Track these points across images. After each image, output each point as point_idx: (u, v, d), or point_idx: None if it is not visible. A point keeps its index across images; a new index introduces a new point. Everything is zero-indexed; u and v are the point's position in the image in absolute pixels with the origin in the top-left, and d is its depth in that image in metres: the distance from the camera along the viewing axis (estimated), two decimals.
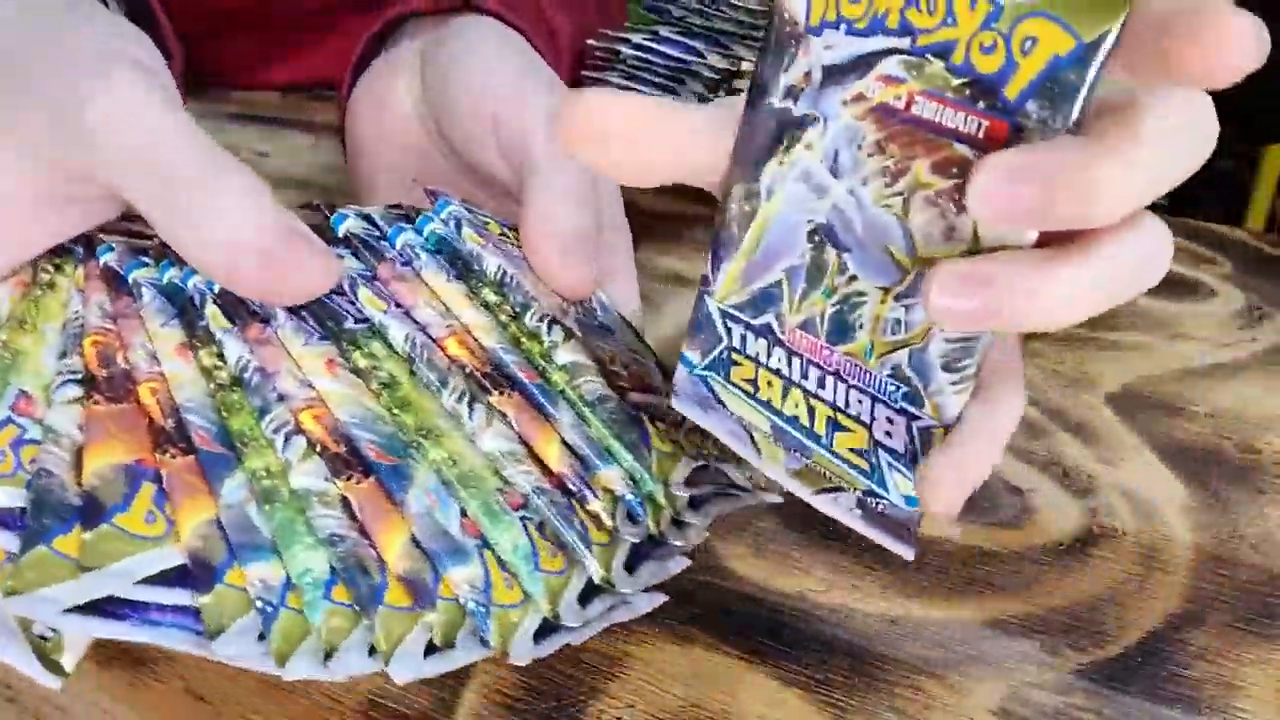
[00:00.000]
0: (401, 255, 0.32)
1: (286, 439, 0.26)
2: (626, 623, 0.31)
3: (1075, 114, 0.20)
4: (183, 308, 0.29)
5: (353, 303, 0.30)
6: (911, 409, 0.24)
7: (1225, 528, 0.36)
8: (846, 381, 0.25)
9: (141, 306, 0.28)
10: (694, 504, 0.31)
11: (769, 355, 0.26)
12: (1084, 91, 0.20)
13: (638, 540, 0.29)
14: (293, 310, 0.29)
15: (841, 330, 0.25)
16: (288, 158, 0.66)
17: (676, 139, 0.25)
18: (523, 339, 0.30)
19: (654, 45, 0.56)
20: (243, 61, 0.77)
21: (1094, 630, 0.31)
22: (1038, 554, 0.34)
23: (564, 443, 0.28)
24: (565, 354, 0.30)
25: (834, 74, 0.23)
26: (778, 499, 0.33)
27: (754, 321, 0.26)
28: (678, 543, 0.30)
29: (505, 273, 0.31)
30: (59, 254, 0.30)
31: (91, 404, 0.26)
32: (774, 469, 0.28)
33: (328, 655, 0.24)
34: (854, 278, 0.24)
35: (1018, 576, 0.33)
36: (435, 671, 0.25)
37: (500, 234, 0.34)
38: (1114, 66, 0.20)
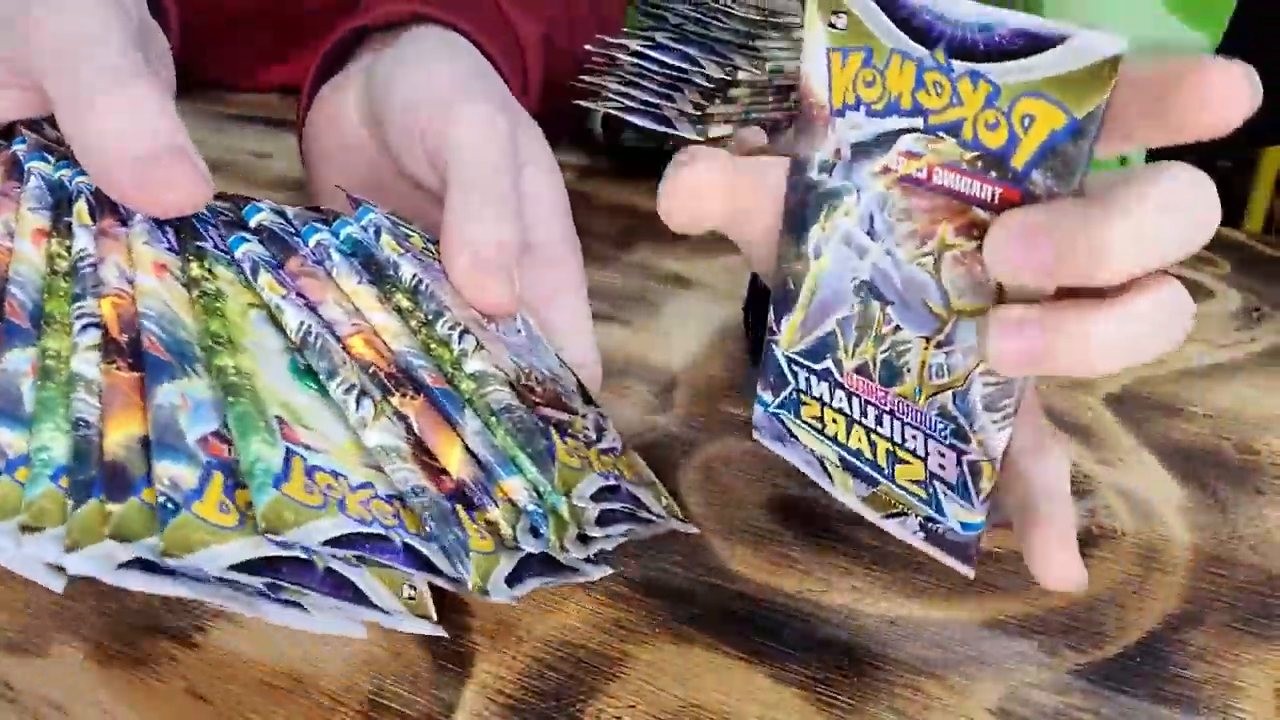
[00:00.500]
0: (314, 254, 0.31)
1: (84, 327, 0.26)
2: (626, 623, 0.31)
3: (1076, 181, 0.22)
4: (58, 201, 0.30)
5: (218, 230, 0.31)
6: (960, 444, 0.26)
7: (1224, 528, 0.36)
8: (901, 419, 0.27)
9: (20, 191, 0.29)
10: (602, 521, 0.30)
11: (831, 396, 0.29)
12: (1082, 161, 0.22)
13: (538, 551, 0.28)
14: (157, 221, 0.30)
15: (892, 374, 0.27)
16: (288, 159, 0.66)
17: (761, 199, 0.28)
18: (433, 345, 0.30)
19: (651, 53, 0.56)
20: (243, 64, 0.77)
21: (1093, 631, 0.32)
22: None
23: (467, 449, 0.28)
24: (475, 363, 0.30)
25: (861, 150, 0.25)
26: (694, 529, 0.34)
27: (815, 366, 0.29)
28: (581, 558, 0.29)
29: (420, 281, 0.31)
30: None
31: None
32: (846, 495, 0.30)
33: (26, 531, 0.23)
34: (898, 327, 0.26)
35: (1017, 577, 0.34)
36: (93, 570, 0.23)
37: (423, 248, 0.33)
38: (1115, 135, 0.22)
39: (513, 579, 0.28)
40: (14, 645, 0.30)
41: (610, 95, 0.57)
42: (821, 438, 0.30)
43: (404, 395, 0.28)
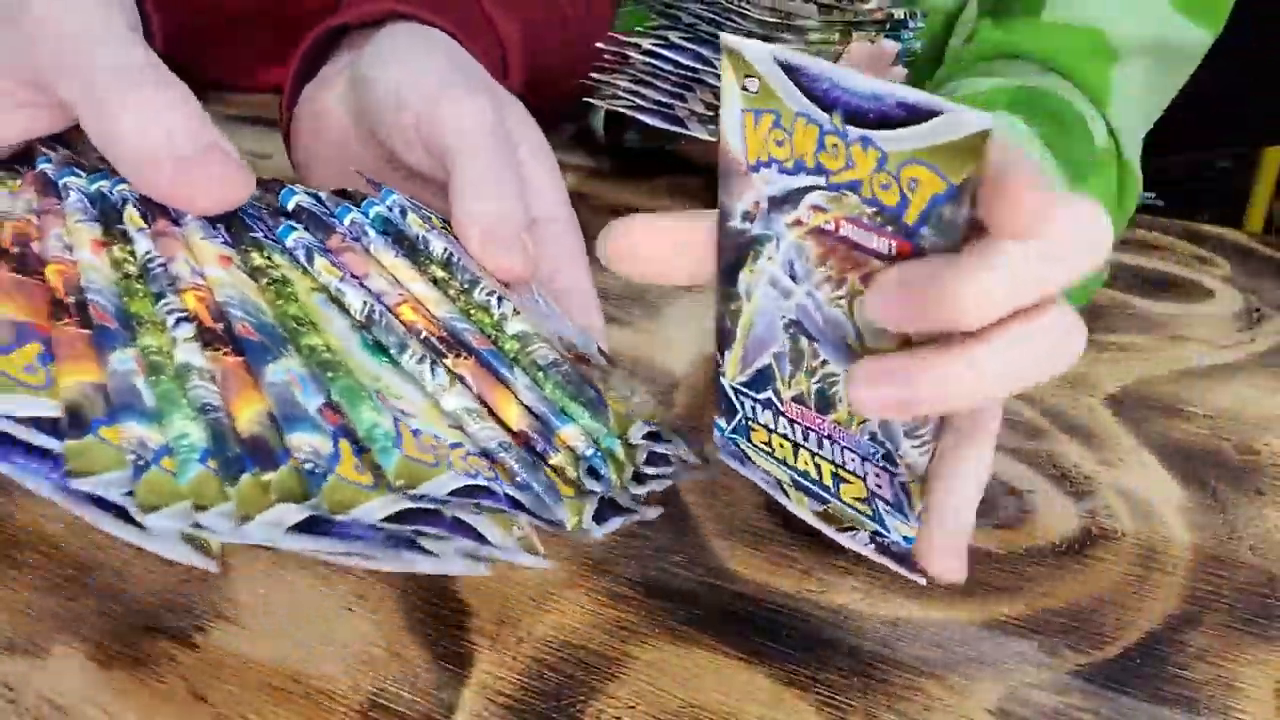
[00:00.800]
0: (350, 231, 0.32)
1: (177, 321, 0.27)
2: (626, 623, 0.31)
3: (958, 236, 0.24)
4: (104, 211, 0.30)
5: (264, 222, 0.31)
6: (890, 467, 0.28)
7: (1224, 529, 0.36)
8: (839, 443, 0.29)
9: (65, 205, 0.29)
10: (652, 461, 0.31)
11: (775, 422, 0.30)
12: (960, 220, 0.24)
13: (603, 494, 0.29)
14: (207, 217, 0.30)
15: (825, 402, 0.29)
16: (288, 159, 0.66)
17: (694, 253, 0.29)
18: (473, 311, 0.31)
19: (664, 51, 0.56)
20: (243, 63, 0.77)
21: (1093, 631, 0.32)
22: (1036, 555, 0.35)
23: (522, 404, 0.29)
24: (515, 325, 0.31)
25: (775, 203, 0.27)
26: (712, 472, 0.34)
27: (758, 396, 0.30)
28: (639, 495, 0.30)
29: (450, 253, 0.32)
30: (4, 170, 0.31)
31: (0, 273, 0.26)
32: (802, 511, 0.32)
33: (199, 510, 0.24)
34: (825, 361, 0.28)
35: (1016, 577, 0.34)
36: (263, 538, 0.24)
37: (442, 226, 0.34)
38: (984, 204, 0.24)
39: (597, 518, 0.28)
40: (15, 646, 0.30)
41: (621, 94, 0.56)
42: (772, 460, 0.32)
43: (457, 357, 0.29)
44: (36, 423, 0.24)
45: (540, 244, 0.35)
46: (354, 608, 0.32)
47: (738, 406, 0.31)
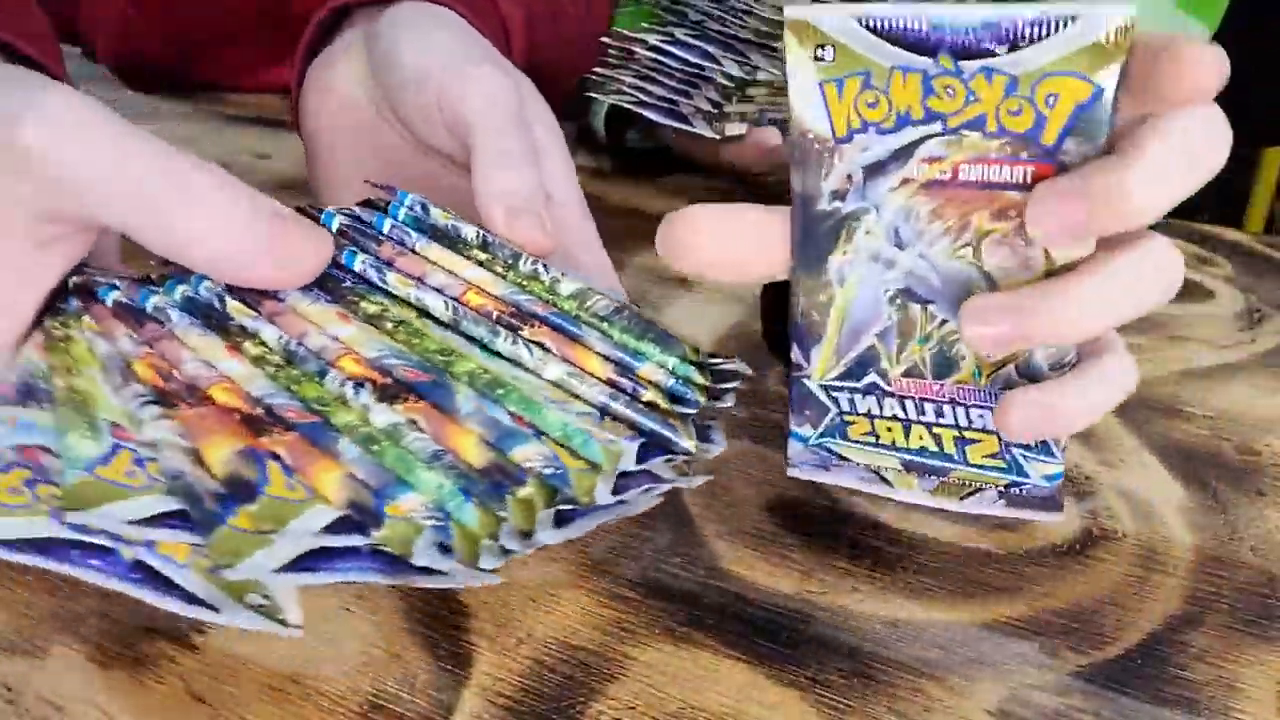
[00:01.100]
0: (393, 236, 0.33)
1: (355, 389, 0.27)
2: (626, 624, 0.31)
3: (1102, 141, 0.24)
4: (206, 315, 0.30)
5: (341, 267, 0.31)
6: None
7: (1224, 529, 0.36)
8: (964, 404, 0.29)
9: (172, 327, 0.29)
10: (721, 379, 0.31)
11: (881, 407, 0.30)
12: (1106, 122, 0.24)
13: (694, 415, 0.30)
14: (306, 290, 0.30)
15: (945, 365, 0.29)
16: (289, 160, 0.66)
17: (769, 245, 0.30)
18: (525, 283, 0.32)
19: (669, 48, 0.55)
20: (244, 64, 0.77)
21: (1093, 632, 0.31)
22: (1037, 556, 0.35)
23: (599, 354, 0.30)
24: (567, 285, 0.32)
25: (875, 170, 0.27)
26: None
27: (858, 385, 0.30)
28: (709, 424, 0.31)
29: (484, 235, 0.33)
30: (57, 314, 0.30)
31: (178, 412, 0.27)
32: (912, 494, 0.32)
33: (503, 549, 0.26)
34: (944, 321, 0.28)
35: (1017, 578, 0.33)
36: (563, 537, 0.27)
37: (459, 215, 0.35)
38: (1124, 99, 0.24)
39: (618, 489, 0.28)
40: (14, 647, 0.30)
41: (626, 89, 0.56)
42: (878, 449, 0.31)
43: (532, 327, 0.30)
44: (335, 528, 0.25)
45: (556, 225, 0.35)
46: (353, 609, 0.32)
47: (828, 406, 0.31)
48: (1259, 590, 0.33)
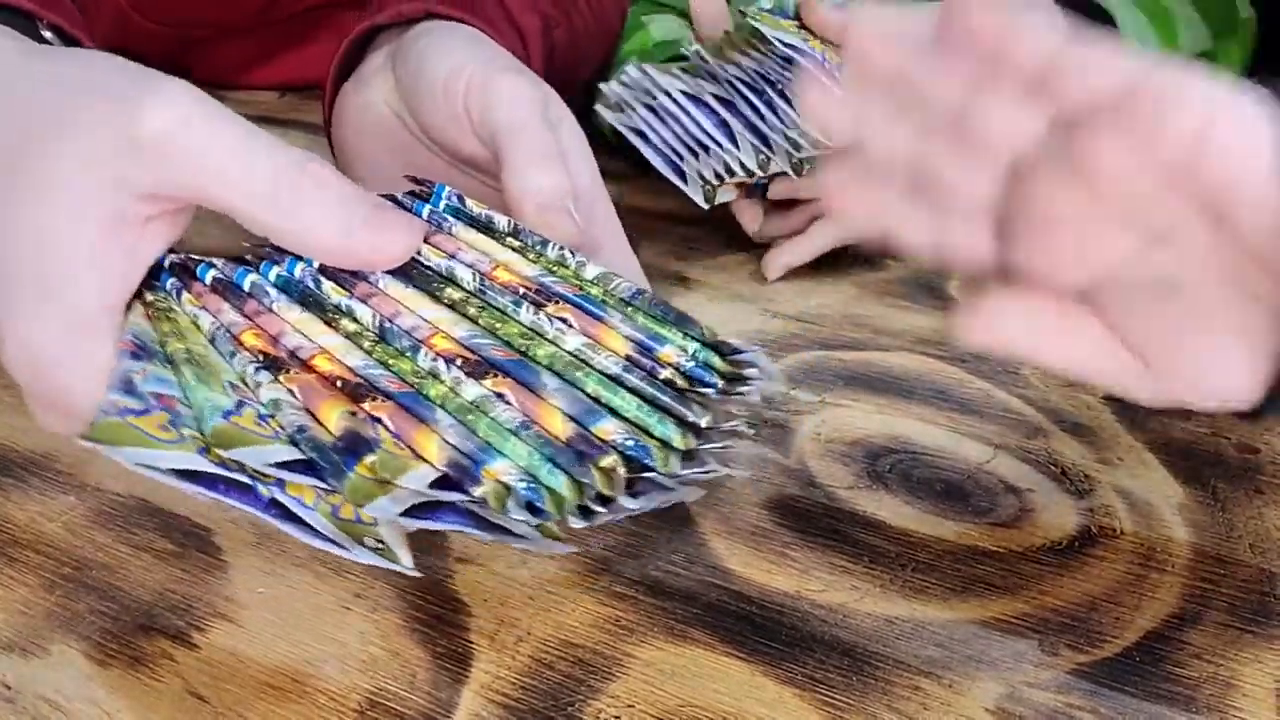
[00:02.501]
0: (432, 219, 0.35)
1: (447, 365, 0.29)
2: (625, 623, 0.31)
3: None
4: (303, 295, 0.32)
5: (423, 261, 0.33)
6: None
7: (1223, 527, 0.36)
8: None
9: (272, 303, 0.31)
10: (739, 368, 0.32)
11: None
12: None
13: (713, 396, 0.31)
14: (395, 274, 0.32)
15: None
16: None
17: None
18: (553, 267, 0.33)
19: (693, 107, 0.53)
20: (241, 61, 0.77)
21: (1092, 630, 0.32)
22: (1036, 554, 0.35)
23: (621, 335, 0.31)
24: (592, 269, 0.33)
25: None
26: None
27: None
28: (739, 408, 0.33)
29: (515, 224, 0.35)
30: (152, 291, 0.32)
31: (288, 376, 0.29)
32: None
33: (587, 511, 0.28)
34: None
35: (1016, 576, 0.34)
36: (639, 507, 0.29)
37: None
38: None
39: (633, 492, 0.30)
40: (13, 645, 0.30)
41: (636, 119, 0.54)
42: None
43: (556, 304, 0.31)
44: (439, 484, 0.27)
45: (583, 218, 0.37)
46: (352, 607, 0.32)
47: None
48: (1257, 588, 0.33)
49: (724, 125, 0.52)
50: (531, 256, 0.33)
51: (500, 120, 0.37)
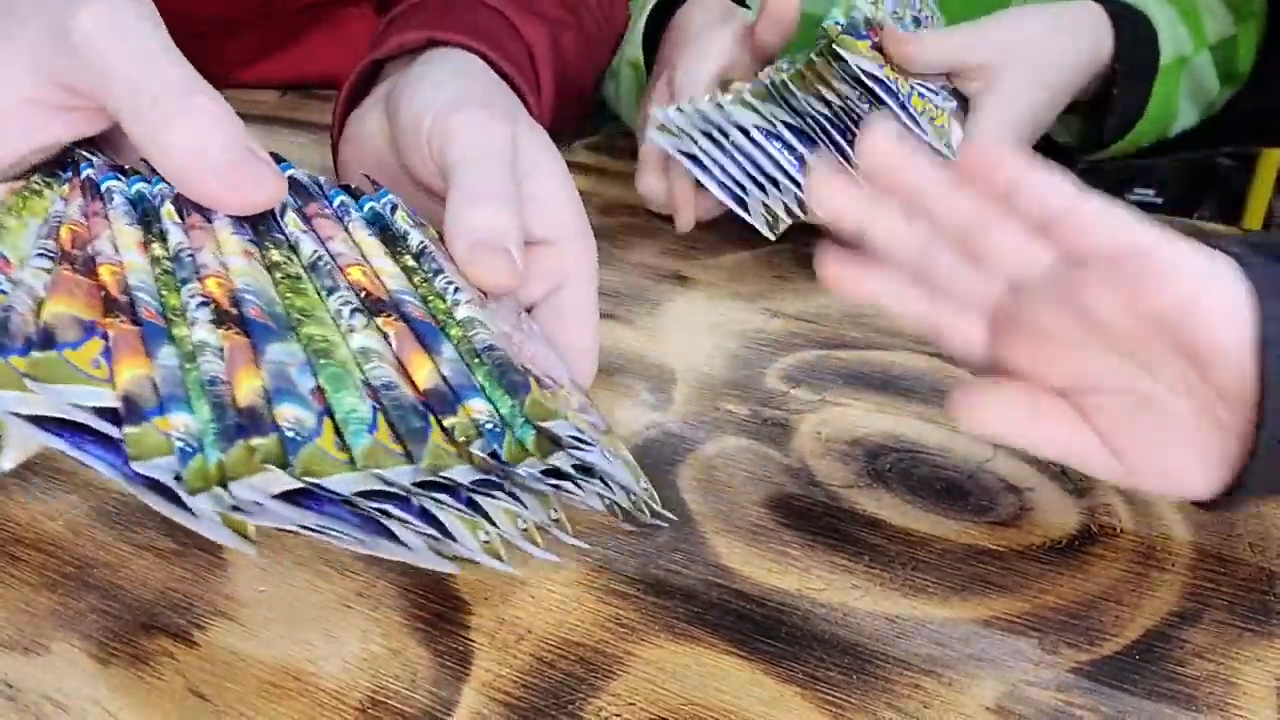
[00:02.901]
0: (336, 211, 0.34)
1: (198, 305, 0.29)
2: (626, 621, 0.31)
3: None
4: (144, 212, 0.32)
5: (280, 226, 0.33)
6: None
7: (1223, 526, 0.36)
8: None
9: (110, 209, 0.32)
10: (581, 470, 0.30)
11: None
12: None
13: (484, 462, 0.28)
14: (234, 217, 0.32)
15: None
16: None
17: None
18: (430, 298, 0.32)
19: (764, 141, 0.50)
20: (241, 57, 0.77)
21: (1092, 628, 0.32)
22: (1036, 552, 0.35)
23: (439, 372, 0.29)
24: (465, 310, 0.31)
25: None
26: (668, 519, 0.33)
27: None
28: (537, 486, 0.29)
29: (426, 247, 0.34)
30: (50, 175, 0.33)
31: (61, 270, 0.29)
32: None
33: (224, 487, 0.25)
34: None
35: (1016, 575, 0.34)
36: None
37: (435, 237, 0.35)
38: None
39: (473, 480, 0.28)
40: (15, 643, 0.30)
41: (696, 147, 0.51)
42: None
43: (388, 317, 0.30)
44: (100, 413, 0.25)
45: (544, 261, 0.36)
46: (353, 605, 0.32)
47: None
48: (1257, 587, 0.33)
49: (801, 160, 0.51)
50: (416, 280, 0.32)
51: (451, 156, 0.35)
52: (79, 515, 0.35)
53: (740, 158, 0.51)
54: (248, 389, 0.26)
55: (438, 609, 0.32)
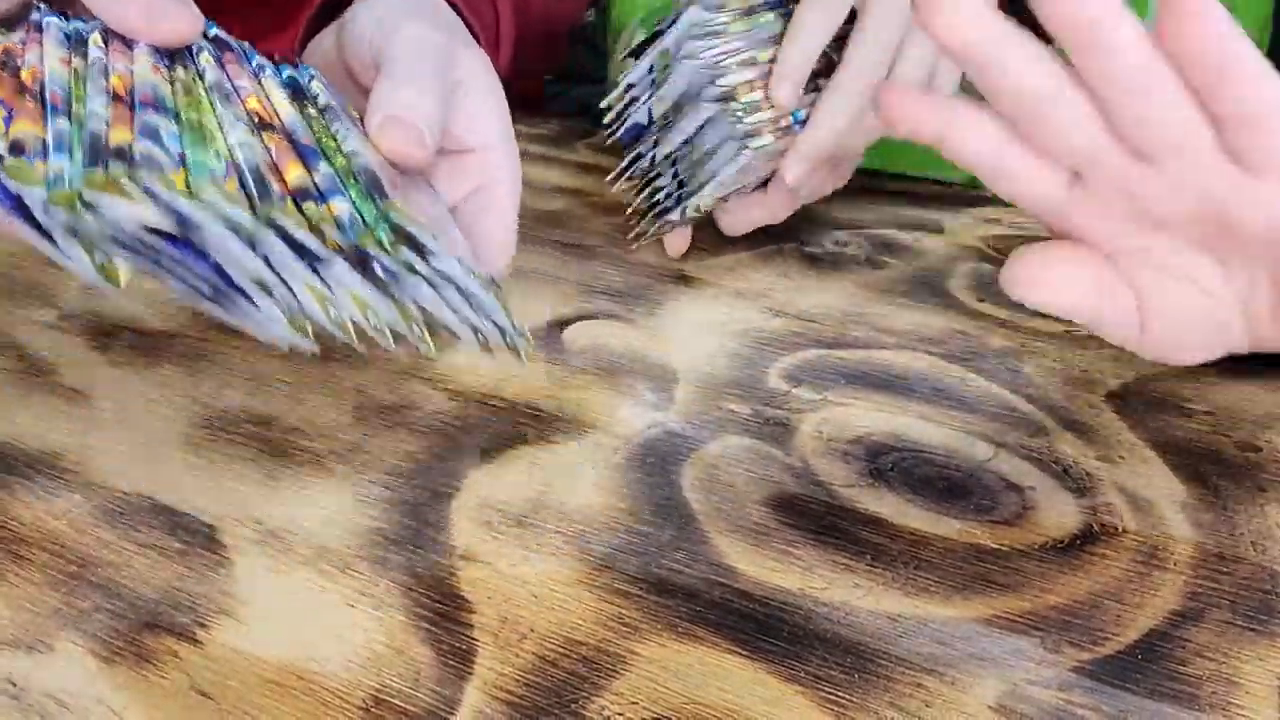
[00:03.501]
0: (252, 67, 0.35)
1: (98, 94, 0.31)
2: (629, 620, 0.31)
3: None
4: (75, 42, 0.34)
5: (194, 60, 0.35)
6: None
7: (1224, 525, 0.36)
8: None
9: (44, 36, 0.33)
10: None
11: None
12: None
13: (335, 243, 0.29)
14: (154, 48, 0.34)
15: None
16: None
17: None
18: (323, 137, 0.33)
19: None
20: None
21: (1093, 628, 0.32)
22: (1037, 552, 0.35)
23: (310, 178, 0.31)
24: (352, 143, 0.33)
25: None
26: (526, 348, 0.33)
27: None
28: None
29: (331, 106, 0.35)
30: (10, 27, 0.34)
31: None
32: None
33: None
34: None
35: (1018, 574, 0.34)
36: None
37: (358, 116, 0.36)
38: None
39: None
40: (19, 642, 0.30)
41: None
42: None
43: (271, 134, 0.32)
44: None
45: (469, 167, 0.37)
46: (356, 604, 0.32)
47: None
48: (1259, 586, 0.33)
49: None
50: (316, 126, 0.34)
51: (387, 55, 0.36)
52: (83, 514, 0.35)
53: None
54: (119, 138, 0.29)
55: (440, 608, 0.32)
